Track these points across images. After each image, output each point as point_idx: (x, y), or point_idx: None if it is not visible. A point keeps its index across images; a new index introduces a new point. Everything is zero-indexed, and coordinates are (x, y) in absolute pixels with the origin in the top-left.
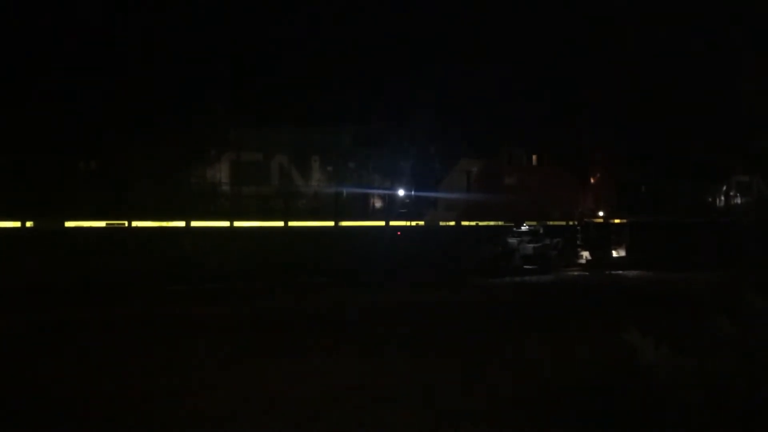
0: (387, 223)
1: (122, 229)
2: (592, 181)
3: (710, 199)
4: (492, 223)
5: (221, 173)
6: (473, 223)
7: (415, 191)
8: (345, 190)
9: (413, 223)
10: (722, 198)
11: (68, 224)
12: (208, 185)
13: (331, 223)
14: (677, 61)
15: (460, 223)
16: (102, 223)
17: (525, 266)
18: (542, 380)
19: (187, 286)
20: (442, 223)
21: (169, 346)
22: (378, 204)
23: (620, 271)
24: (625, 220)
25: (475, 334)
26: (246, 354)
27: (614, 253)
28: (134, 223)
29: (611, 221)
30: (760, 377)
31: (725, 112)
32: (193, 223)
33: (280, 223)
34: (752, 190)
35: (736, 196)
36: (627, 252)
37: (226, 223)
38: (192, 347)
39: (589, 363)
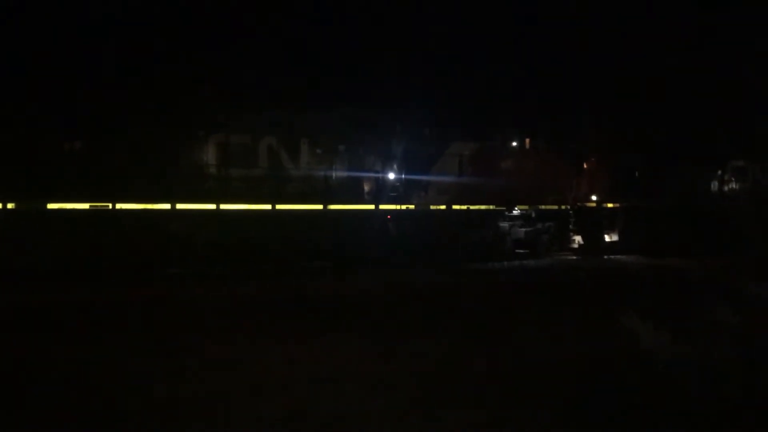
0: (377, 207)
1: (106, 211)
2: (585, 165)
3: (706, 184)
4: (483, 207)
5: (209, 155)
6: (464, 207)
7: (405, 175)
8: (335, 174)
9: (404, 207)
10: (718, 183)
11: (51, 206)
12: (195, 168)
13: (320, 207)
14: (674, 45)
15: (452, 207)
16: (86, 205)
17: (516, 250)
18: (540, 364)
19: (167, 270)
20: (432, 207)
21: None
22: (368, 187)
23: (613, 256)
24: (618, 205)
25: (466, 318)
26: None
27: (607, 238)
28: (119, 206)
29: (604, 206)
30: (759, 363)
31: (722, 97)
32: (179, 206)
33: (268, 207)
34: (748, 175)
35: (731, 181)
36: (620, 237)
37: (213, 206)
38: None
39: (588, 348)
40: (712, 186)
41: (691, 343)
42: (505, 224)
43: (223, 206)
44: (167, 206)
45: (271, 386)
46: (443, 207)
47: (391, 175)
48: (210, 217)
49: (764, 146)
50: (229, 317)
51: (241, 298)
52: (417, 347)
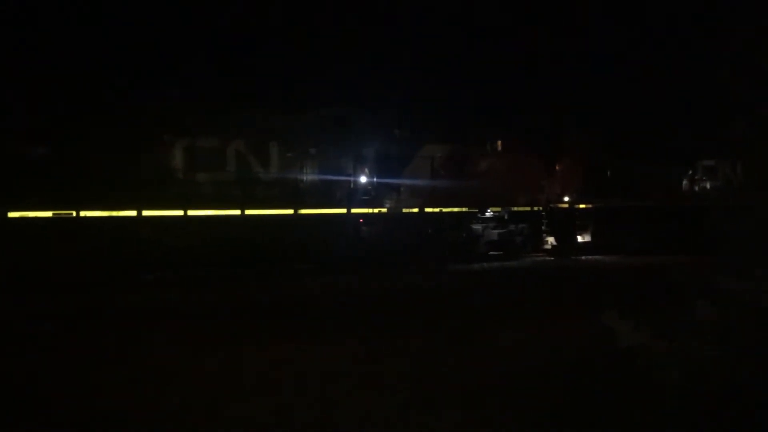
0: (349, 211)
1: (70, 219)
2: (558, 166)
3: (677, 184)
4: (456, 209)
5: (175, 160)
6: (437, 210)
7: (377, 178)
8: (305, 177)
9: (376, 210)
10: (689, 182)
11: (11, 215)
12: (162, 173)
13: (291, 211)
14: (645, 45)
15: (424, 209)
16: (48, 213)
17: (490, 252)
18: (521, 364)
19: (133, 278)
20: (405, 210)
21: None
22: (339, 191)
23: (586, 256)
24: (590, 206)
25: (444, 319)
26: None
27: (579, 239)
28: (83, 213)
29: (576, 206)
30: (736, 359)
31: (693, 97)
32: (145, 212)
33: (237, 212)
34: (719, 174)
35: (702, 180)
36: (592, 237)
37: (180, 212)
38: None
39: (568, 347)
40: (683, 185)
41: (670, 340)
42: (478, 226)
43: (190, 212)
44: (133, 213)
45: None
46: (416, 210)
47: (363, 179)
48: (177, 223)
49: (734, 146)
50: (197, 323)
51: (208, 304)
52: (396, 348)
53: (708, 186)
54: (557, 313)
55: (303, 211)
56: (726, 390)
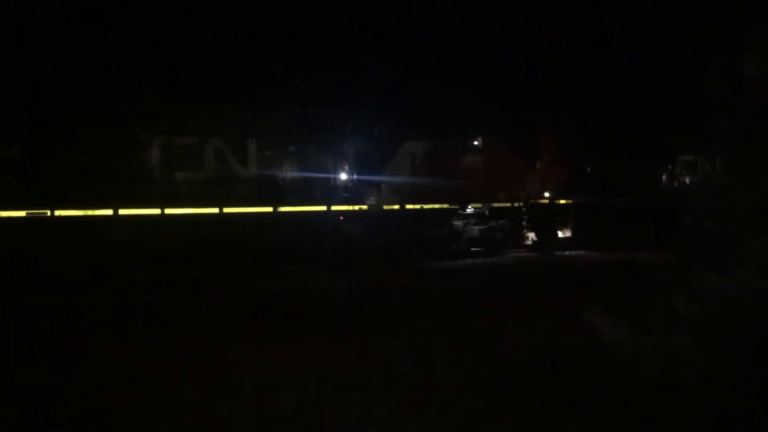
0: (329, 208)
1: (44, 218)
2: (538, 162)
3: (657, 180)
4: (437, 206)
5: (152, 159)
6: (418, 207)
7: (358, 175)
8: (284, 175)
9: (356, 208)
10: (668, 178)
11: None
12: (138, 171)
13: (270, 209)
14: (623, 42)
15: (405, 206)
16: (22, 213)
17: (471, 249)
18: (505, 361)
19: (107, 279)
20: (386, 207)
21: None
22: (319, 188)
23: (566, 252)
24: (570, 201)
25: (426, 318)
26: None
27: (560, 234)
28: (58, 212)
29: (557, 202)
30: (716, 352)
31: (672, 93)
32: (122, 211)
33: (215, 210)
34: (698, 170)
35: (681, 175)
36: (572, 233)
37: (157, 211)
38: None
39: (550, 343)
40: (662, 181)
41: (651, 334)
42: (459, 223)
43: (168, 211)
44: (109, 212)
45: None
46: (396, 207)
47: (343, 176)
48: (155, 222)
49: (713, 141)
50: (178, 324)
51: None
52: (380, 347)
53: (687, 181)
54: (539, 310)
55: (282, 209)
56: (704, 383)
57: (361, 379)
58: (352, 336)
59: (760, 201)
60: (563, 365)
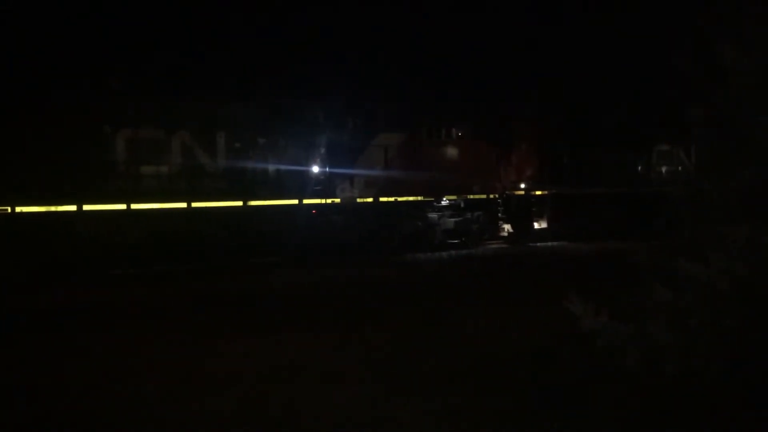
0: (300, 202)
1: (5, 215)
2: (513, 153)
3: (633, 170)
4: (412, 198)
5: (117, 152)
6: (392, 199)
7: (330, 167)
8: (254, 168)
9: (329, 201)
10: (644, 168)
11: None
12: (103, 165)
13: (239, 203)
14: (598, 31)
15: (379, 199)
16: None
17: (447, 241)
18: (485, 350)
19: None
20: (359, 200)
21: None
22: (291, 181)
23: (542, 243)
24: (546, 192)
25: (404, 310)
26: None
27: (536, 225)
28: (19, 209)
29: (533, 193)
30: (694, 339)
31: (646, 82)
32: (86, 207)
33: (183, 204)
34: (673, 159)
35: (657, 165)
36: (548, 224)
37: (123, 206)
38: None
39: (531, 332)
40: (638, 171)
41: (631, 322)
42: (434, 215)
43: (134, 206)
44: (73, 208)
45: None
46: (370, 199)
47: (316, 168)
48: (120, 217)
49: (688, 130)
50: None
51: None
52: (358, 339)
53: (663, 171)
54: (517, 300)
55: (253, 203)
56: (682, 370)
57: (338, 372)
58: (329, 328)
59: (737, 189)
60: (544, 354)
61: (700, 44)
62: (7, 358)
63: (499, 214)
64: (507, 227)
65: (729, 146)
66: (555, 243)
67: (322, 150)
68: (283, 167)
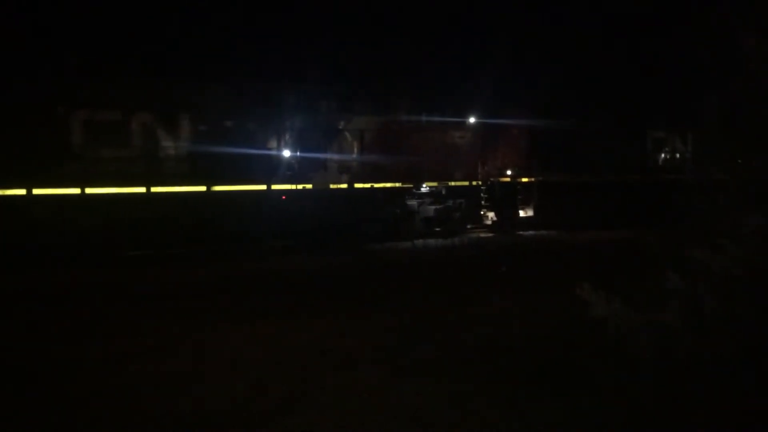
0: (269, 188)
1: None
2: (499, 139)
3: (625, 156)
4: (389, 185)
5: (72, 134)
6: (368, 186)
7: (302, 152)
8: (220, 152)
9: (300, 187)
10: (638, 155)
11: None
12: (56, 148)
13: (203, 188)
14: (590, 15)
15: (353, 185)
16: None
17: (427, 229)
18: (493, 338)
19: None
20: (332, 186)
21: None
22: (260, 166)
23: (528, 232)
24: (533, 179)
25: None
26: None
27: (521, 213)
28: None
29: (518, 181)
30: (707, 326)
31: (640, 68)
32: (37, 191)
33: (142, 189)
34: (668, 146)
35: (652, 152)
36: (535, 212)
37: (77, 190)
38: None
39: (541, 319)
40: (631, 158)
41: (643, 310)
42: (413, 202)
43: (89, 190)
44: (22, 192)
45: None
46: (345, 186)
47: (287, 153)
48: (74, 202)
49: (686, 117)
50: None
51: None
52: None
53: (658, 158)
54: (506, 292)
55: (217, 188)
56: (695, 358)
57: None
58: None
59: (753, 178)
60: (556, 340)
61: (718, 29)
62: None
63: (483, 202)
64: (491, 215)
65: (745, 135)
66: (543, 232)
67: (294, 133)
68: (251, 151)
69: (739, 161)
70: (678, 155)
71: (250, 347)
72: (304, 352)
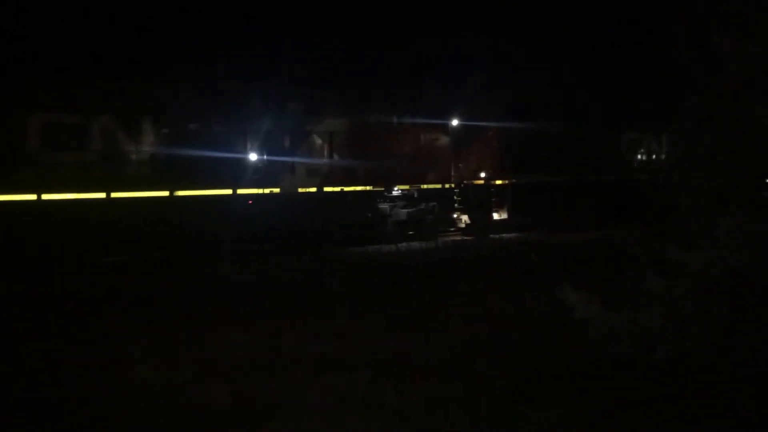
0: (235, 192)
1: None
2: (472, 141)
3: (601, 158)
4: (360, 188)
5: (28, 138)
6: (338, 189)
7: (269, 155)
8: (184, 155)
9: (267, 191)
10: (613, 156)
11: None
12: (11, 153)
13: (166, 193)
14: (568, 16)
15: (323, 188)
16: None
17: (399, 233)
18: (477, 339)
19: None
20: (301, 190)
21: None
22: (226, 170)
23: (500, 235)
24: (507, 181)
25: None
26: None
27: (496, 216)
28: None
29: (492, 182)
30: (686, 326)
31: (615, 69)
32: None
33: (101, 195)
34: (644, 147)
35: (626, 153)
36: (509, 214)
37: (33, 196)
38: None
39: (522, 321)
40: (607, 158)
41: (623, 310)
42: (385, 205)
43: (45, 196)
44: None
45: None
46: (314, 189)
47: (253, 156)
48: (29, 208)
49: (661, 118)
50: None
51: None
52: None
53: (632, 159)
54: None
55: (180, 193)
56: (674, 358)
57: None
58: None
59: (729, 179)
60: (537, 342)
61: (695, 29)
62: None
63: (456, 205)
64: (464, 218)
65: (723, 136)
66: (518, 234)
67: (261, 136)
68: (216, 154)
69: (716, 162)
70: (654, 155)
71: (223, 351)
72: (283, 357)
